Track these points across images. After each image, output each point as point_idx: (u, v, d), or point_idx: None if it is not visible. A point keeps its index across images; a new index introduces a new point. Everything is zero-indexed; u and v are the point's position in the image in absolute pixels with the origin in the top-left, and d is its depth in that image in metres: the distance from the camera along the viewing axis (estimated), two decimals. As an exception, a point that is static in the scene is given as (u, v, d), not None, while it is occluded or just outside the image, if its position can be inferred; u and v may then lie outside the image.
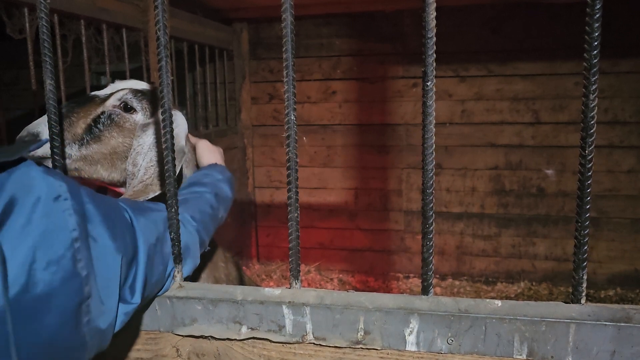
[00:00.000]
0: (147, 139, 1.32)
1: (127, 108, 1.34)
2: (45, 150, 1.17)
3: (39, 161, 1.19)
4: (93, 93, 1.37)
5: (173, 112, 1.39)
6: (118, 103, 1.34)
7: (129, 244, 0.84)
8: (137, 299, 0.83)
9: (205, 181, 1.30)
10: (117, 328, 0.80)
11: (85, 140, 1.27)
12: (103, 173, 1.31)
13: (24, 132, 1.19)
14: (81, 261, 0.68)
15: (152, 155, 1.29)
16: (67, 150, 1.24)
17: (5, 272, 0.59)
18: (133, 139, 1.32)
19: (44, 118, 1.19)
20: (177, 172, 1.34)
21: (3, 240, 0.60)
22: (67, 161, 1.24)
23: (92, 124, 1.29)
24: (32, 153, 1.18)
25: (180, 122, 1.37)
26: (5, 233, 0.61)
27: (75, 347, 0.70)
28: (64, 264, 0.66)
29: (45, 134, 1.17)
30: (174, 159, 1.02)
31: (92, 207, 0.75)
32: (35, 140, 1.16)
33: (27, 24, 2.20)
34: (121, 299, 0.80)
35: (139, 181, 1.28)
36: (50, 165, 1.14)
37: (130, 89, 1.37)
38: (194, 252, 1.11)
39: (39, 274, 0.63)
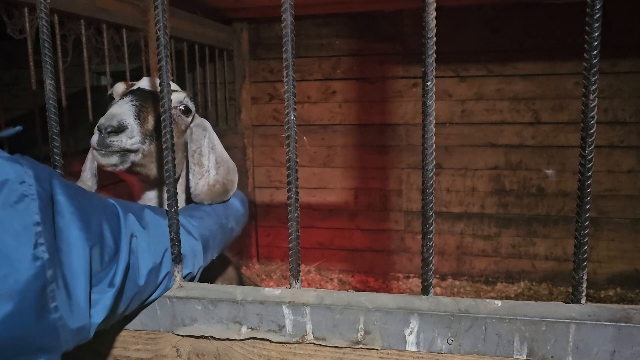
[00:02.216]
0: (203, 141, 1.39)
1: (186, 110, 1.37)
2: (133, 141, 1.19)
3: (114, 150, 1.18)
4: (145, 88, 1.34)
5: (201, 121, 1.43)
6: (179, 105, 1.35)
7: (109, 238, 0.84)
8: (114, 290, 0.83)
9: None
10: (97, 318, 0.80)
11: (154, 137, 1.26)
12: (154, 171, 1.30)
13: (113, 122, 1.16)
14: (42, 245, 0.69)
15: (216, 155, 1.39)
16: (141, 145, 1.21)
17: None
18: (181, 140, 1.36)
19: (129, 108, 1.21)
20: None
21: None
22: (138, 156, 1.22)
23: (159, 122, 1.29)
24: (122, 145, 1.17)
25: (212, 130, 1.43)
26: None
27: (45, 334, 0.70)
28: (22, 244, 0.67)
29: (134, 127, 1.19)
30: (173, 159, 1.02)
31: (63, 198, 0.76)
32: (120, 130, 1.17)
33: (27, 24, 2.20)
34: (99, 291, 0.81)
35: (215, 181, 1.38)
36: (132, 157, 1.20)
37: (186, 92, 1.40)
38: (194, 259, 1.12)
39: None
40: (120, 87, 1.36)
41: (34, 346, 0.69)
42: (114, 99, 1.36)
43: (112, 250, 0.85)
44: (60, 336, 0.72)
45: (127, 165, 1.21)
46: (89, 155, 1.38)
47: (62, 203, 0.76)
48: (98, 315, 0.80)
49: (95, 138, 1.17)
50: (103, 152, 1.18)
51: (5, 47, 4.59)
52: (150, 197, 1.36)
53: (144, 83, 1.36)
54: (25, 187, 0.69)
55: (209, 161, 1.40)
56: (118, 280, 0.84)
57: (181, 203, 1.39)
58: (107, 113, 1.19)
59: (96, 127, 1.17)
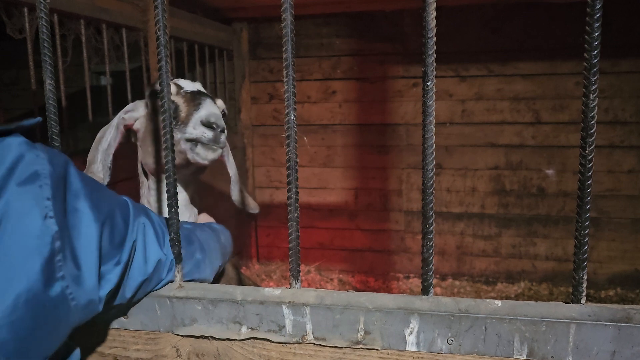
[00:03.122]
0: (229, 152, 1.56)
1: (224, 114, 1.44)
2: (198, 133, 1.28)
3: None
4: (200, 90, 1.42)
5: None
6: (223, 109, 1.43)
7: (120, 222, 0.90)
8: (121, 267, 0.88)
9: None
10: (103, 291, 0.85)
11: None
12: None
13: (222, 122, 1.29)
14: (52, 218, 0.75)
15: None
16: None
17: None
18: None
19: (216, 108, 1.32)
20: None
21: None
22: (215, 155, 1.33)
23: None
24: (225, 142, 1.31)
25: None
26: None
27: (52, 302, 0.74)
28: (33, 216, 0.73)
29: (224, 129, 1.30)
30: (173, 159, 1.01)
31: (77, 181, 0.83)
32: (224, 129, 1.30)
33: (27, 24, 2.20)
34: (107, 267, 0.86)
35: (240, 190, 1.60)
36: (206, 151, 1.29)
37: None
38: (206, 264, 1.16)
39: (9, 221, 0.71)
40: (190, 85, 1.41)
41: (44, 313, 0.73)
42: (157, 95, 1.38)
43: (121, 234, 0.90)
44: (66, 305, 0.76)
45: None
46: (100, 148, 1.41)
47: (76, 185, 0.82)
48: (104, 288, 0.85)
49: (210, 134, 1.27)
50: (215, 147, 1.29)
51: (5, 47, 4.59)
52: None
53: (194, 85, 1.43)
54: (38, 166, 0.75)
55: (232, 171, 1.59)
56: (124, 259, 0.89)
57: (184, 215, 1.43)
58: (209, 112, 1.28)
59: (204, 124, 1.27)
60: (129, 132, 1.48)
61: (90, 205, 0.83)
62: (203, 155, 1.29)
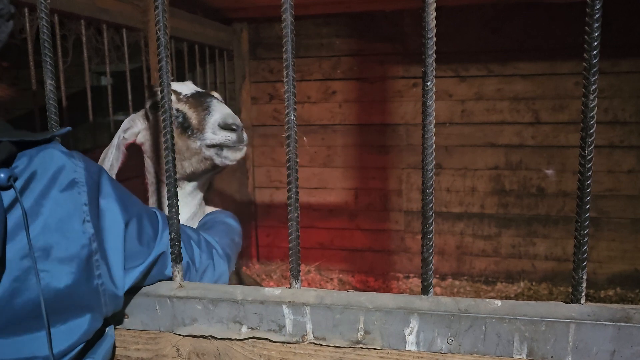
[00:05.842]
0: None
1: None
2: (221, 138, 1.26)
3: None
4: (198, 90, 1.40)
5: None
6: (220, 99, 1.42)
7: (148, 226, 0.98)
8: (142, 268, 0.95)
9: (216, 218, 1.43)
10: (126, 286, 0.92)
11: None
12: None
13: (239, 121, 1.27)
14: (89, 222, 0.83)
15: None
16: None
17: (27, 225, 0.75)
18: None
19: (225, 106, 1.30)
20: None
21: (24, 200, 0.76)
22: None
23: None
24: (214, 142, 1.27)
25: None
26: (28, 196, 0.77)
27: (90, 295, 0.83)
28: (73, 220, 0.81)
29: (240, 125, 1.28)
30: (174, 159, 1.02)
31: (109, 187, 0.90)
32: (242, 132, 1.28)
33: (27, 24, 2.20)
34: (132, 266, 0.93)
35: None
36: (234, 153, 1.28)
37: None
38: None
39: (52, 224, 0.79)
40: (185, 87, 1.40)
41: (82, 304, 0.82)
42: (158, 106, 1.36)
43: (149, 237, 0.98)
44: (102, 299, 0.86)
45: None
46: (108, 157, 1.39)
47: (107, 190, 0.90)
48: (126, 285, 0.92)
49: (233, 136, 1.25)
50: (240, 146, 1.28)
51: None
52: (189, 190, 1.42)
53: (188, 87, 1.41)
54: (76, 174, 0.83)
55: None
56: (150, 260, 0.97)
57: (193, 209, 1.43)
58: (225, 112, 1.26)
59: (223, 127, 1.25)
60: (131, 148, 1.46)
61: (119, 207, 0.90)
62: (232, 158, 1.28)
